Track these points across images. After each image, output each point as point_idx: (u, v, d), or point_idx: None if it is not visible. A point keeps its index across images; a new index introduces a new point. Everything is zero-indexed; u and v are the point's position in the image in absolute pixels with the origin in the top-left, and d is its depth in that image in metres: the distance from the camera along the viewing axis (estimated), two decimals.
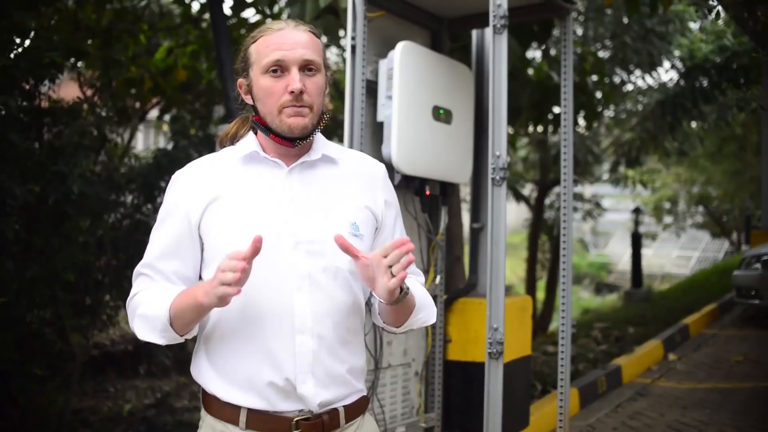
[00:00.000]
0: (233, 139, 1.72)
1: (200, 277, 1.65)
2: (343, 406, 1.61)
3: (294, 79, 1.55)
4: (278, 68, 1.57)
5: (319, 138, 1.68)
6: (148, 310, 1.55)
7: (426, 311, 1.69)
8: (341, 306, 1.59)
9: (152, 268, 1.62)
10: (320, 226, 1.59)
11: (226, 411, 1.57)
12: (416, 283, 1.72)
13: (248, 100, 1.66)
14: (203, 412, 1.64)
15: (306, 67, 1.58)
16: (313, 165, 1.65)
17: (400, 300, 1.52)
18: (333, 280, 1.59)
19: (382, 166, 1.76)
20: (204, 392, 1.62)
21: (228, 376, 1.57)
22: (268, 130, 1.61)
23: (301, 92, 1.56)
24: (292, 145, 1.60)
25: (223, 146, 1.73)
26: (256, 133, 1.67)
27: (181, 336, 1.56)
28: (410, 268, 1.75)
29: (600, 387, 5.67)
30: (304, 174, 1.63)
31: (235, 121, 1.76)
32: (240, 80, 1.66)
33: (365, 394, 1.70)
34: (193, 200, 1.60)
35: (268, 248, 1.52)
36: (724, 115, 9.42)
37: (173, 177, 1.66)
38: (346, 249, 1.48)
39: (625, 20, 7.52)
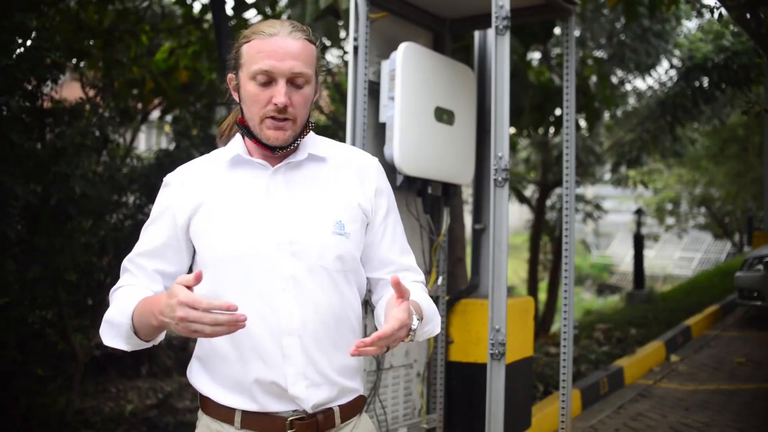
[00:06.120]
0: (229, 135, 1.71)
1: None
2: (339, 406, 1.60)
3: (280, 92, 1.52)
4: (265, 77, 1.53)
5: (308, 137, 1.65)
6: (114, 316, 1.53)
7: (432, 323, 1.66)
8: (329, 305, 1.58)
9: (135, 265, 1.63)
10: (303, 226, 1.57)
11: (222, 411, 1.58)
12: (423, 293, 1.69)
13: (235, 97, 1.64)
14: (200, 411, 1.65)
15: (294, 80, 1.55)
16: (299, 165, 1.63)
17: (412, 338, 1.52)
18: (318, 280, 1.56)
19: (376, 159, 1.72)
20: (200, 393, 1.64)
21: (219, 380, 1.57)
22: (251, 134, 1.59)
23: (286, 106, 1.53)
24: (272, 152, 1.59)
25: (220, 141, 1.73)
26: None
27: (148, 342, 1.53)
28: (410, 260, 1.74)
29: (602, 388, 5.66)
30: (289, 174, 1.62)
31: (230, 116, 1.74)
32: (230, 75, 1.63)
33: (362, 393, 1.68)
34: (180, 205, 1.60)
35: (251, 251, 1.53)
36: (719, 114, 9.39)
37: (165, 179, 1.67)
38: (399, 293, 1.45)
39: (623, 20, 7.50)
